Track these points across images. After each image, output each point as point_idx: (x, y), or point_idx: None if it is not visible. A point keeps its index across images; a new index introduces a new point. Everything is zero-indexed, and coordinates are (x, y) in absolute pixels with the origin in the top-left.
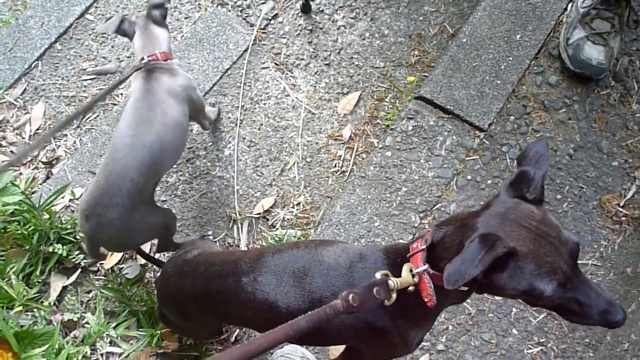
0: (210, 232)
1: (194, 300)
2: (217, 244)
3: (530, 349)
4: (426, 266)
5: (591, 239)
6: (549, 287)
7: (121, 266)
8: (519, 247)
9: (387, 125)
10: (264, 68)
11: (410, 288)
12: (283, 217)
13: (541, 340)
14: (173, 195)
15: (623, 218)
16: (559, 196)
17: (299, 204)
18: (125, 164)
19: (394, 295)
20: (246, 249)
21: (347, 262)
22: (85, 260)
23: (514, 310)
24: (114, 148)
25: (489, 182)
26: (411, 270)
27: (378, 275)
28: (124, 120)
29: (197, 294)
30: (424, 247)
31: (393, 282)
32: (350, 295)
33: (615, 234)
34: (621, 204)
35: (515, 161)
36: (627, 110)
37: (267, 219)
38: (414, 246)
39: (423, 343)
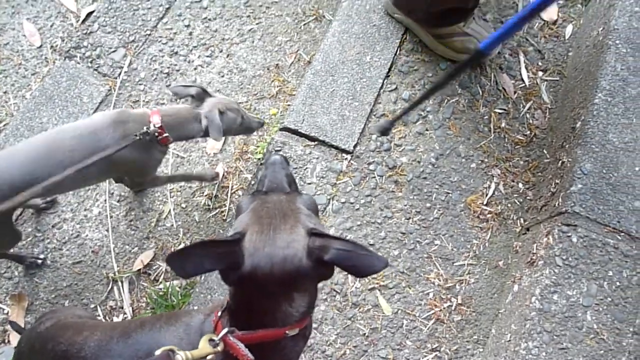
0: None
1: None
2: (98, 309)
3: (426, 356)
4: (225, 330)
5: (464, 239)
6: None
7: None
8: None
9: (258, 159)
10: None
11: (209, 357)
12: (165, 269)
13: (434, 346)
14: (40, 265)
15: (488, 215)
16: (428, 204)
17: None
18: (16, 166)
19: None
20: (114, 318)
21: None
22: None
23: (405, 322)
24: (34, 149)
25: (362, 201)
26: (212, 340)
27: (158, 352)
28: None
29: None
30: (219, 313)
31: (181, 356)
32: None
33: (484, 231)
34: (484, 202)
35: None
36: (476, 113)
37: (149, 274)
38: (213, 318)
39: None
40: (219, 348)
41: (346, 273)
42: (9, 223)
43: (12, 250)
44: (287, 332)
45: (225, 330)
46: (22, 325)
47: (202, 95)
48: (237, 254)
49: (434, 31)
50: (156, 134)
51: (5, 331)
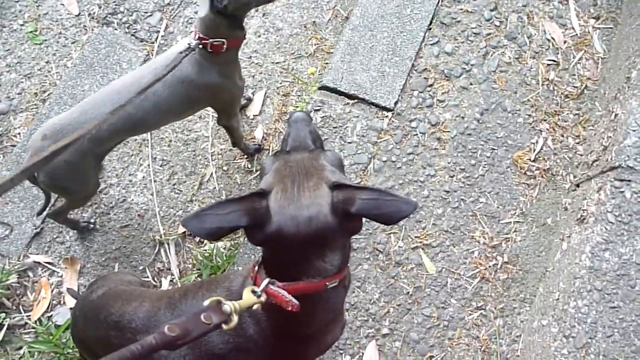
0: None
1: (103, 349)
2: (147, 270)
3: (471, 314)
4: (267, 280)
5: (510, 197)
6: None
7: (49, 314)
8: None
9: None
10: None
11: (256, 306)
12: None
13: (479, 305)
14: (91, 229)
15: (536, 171)
16: (472, 161)
17: None
18: (106, 111)
19: (235, 318)
20: (163, 281)
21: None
22: (9, 318)
23: (449, 280)
24: (116, 92)
25: (404, 160)
26: (254, 292)
27: (206, 302)
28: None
29: (102, 343)
30: (256, 267)
31: (230, 305)
32: (166, 327)
33: (531, 188)
34: (532, 159)
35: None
36: (523, 65)
37: (194, 236)
38: (252, 274)
39: (367, 330)
40: (262, 298)
41: (389, 231)
42: (98, 169)
43: (70, 215)
44: (327, 283)
45: (267, 280)
46: (77, 288)
47: None
48: (262, 211)
49: None
50: (200, 45)
51: (60, 293)
